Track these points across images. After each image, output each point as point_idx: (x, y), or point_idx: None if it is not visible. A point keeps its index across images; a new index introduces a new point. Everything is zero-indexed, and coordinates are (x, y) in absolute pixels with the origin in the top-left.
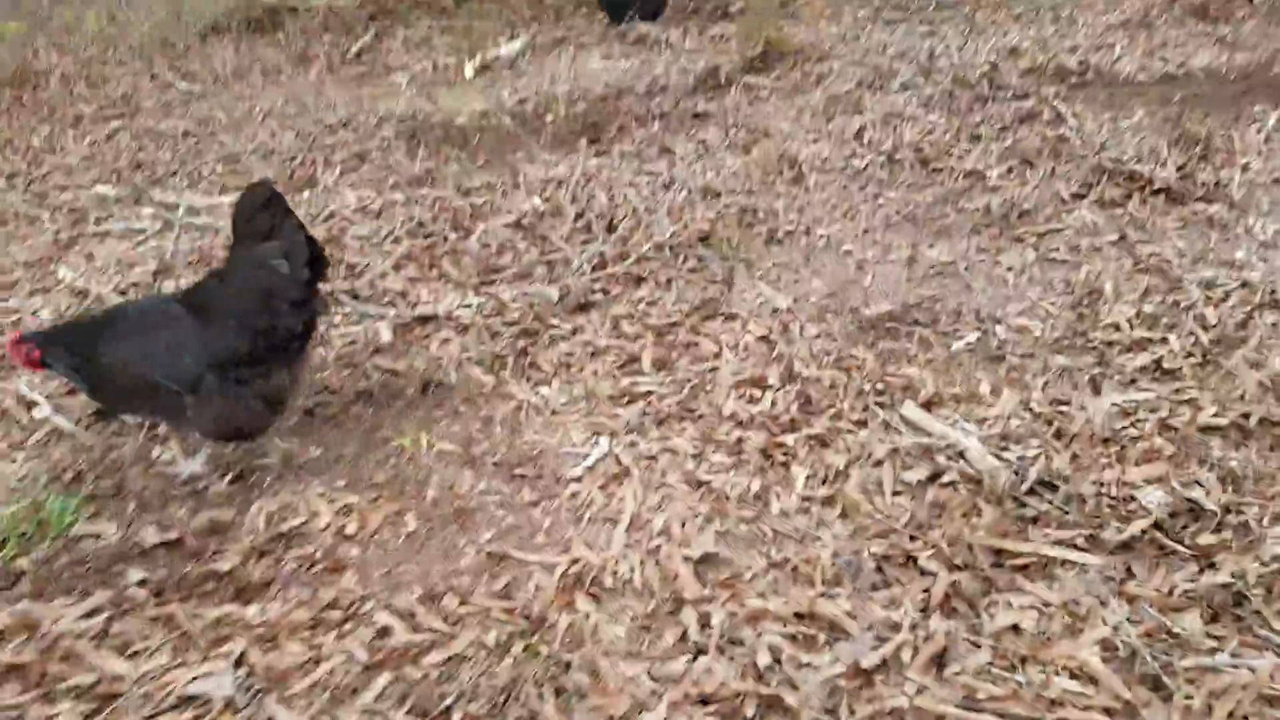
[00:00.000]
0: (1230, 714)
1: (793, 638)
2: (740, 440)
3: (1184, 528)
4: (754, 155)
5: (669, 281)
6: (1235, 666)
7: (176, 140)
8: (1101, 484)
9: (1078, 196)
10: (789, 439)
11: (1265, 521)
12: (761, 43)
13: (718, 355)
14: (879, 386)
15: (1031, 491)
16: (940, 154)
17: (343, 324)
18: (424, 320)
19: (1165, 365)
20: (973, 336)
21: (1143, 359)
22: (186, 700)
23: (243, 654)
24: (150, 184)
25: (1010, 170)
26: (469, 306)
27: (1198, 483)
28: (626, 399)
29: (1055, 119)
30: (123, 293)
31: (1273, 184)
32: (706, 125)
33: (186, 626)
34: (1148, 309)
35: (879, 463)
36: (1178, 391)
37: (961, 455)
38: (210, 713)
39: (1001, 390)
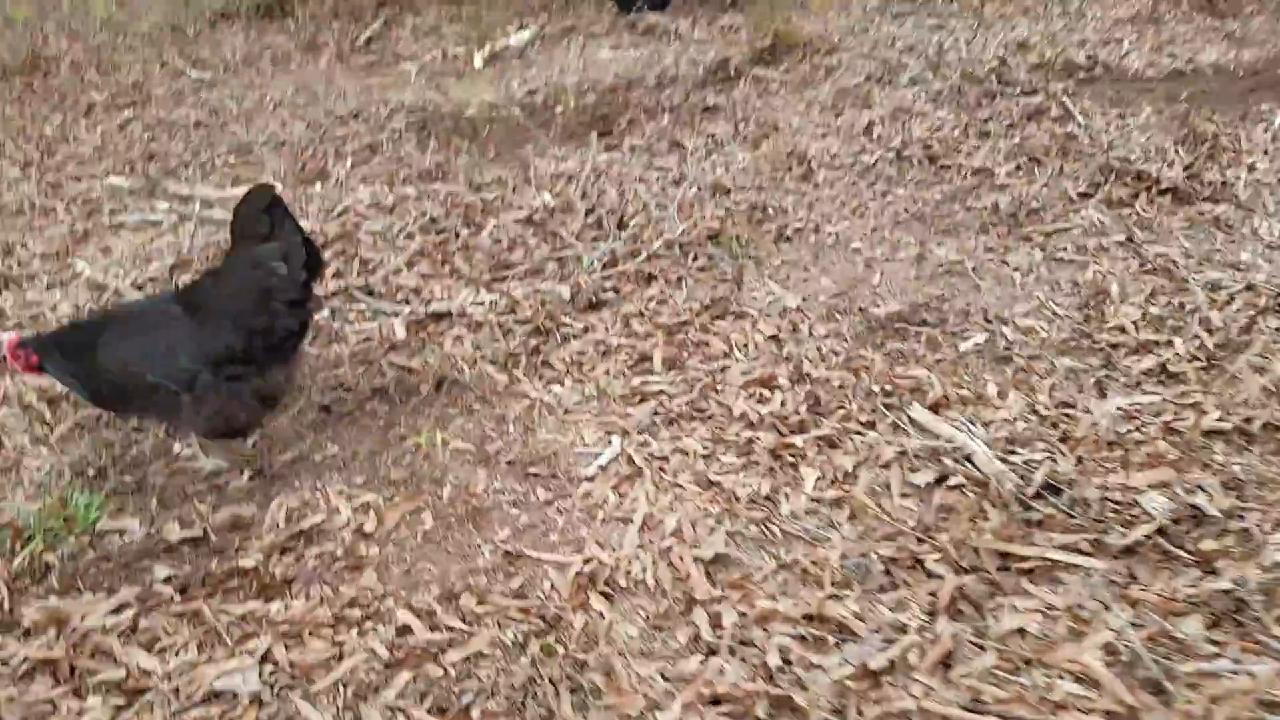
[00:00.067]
0: (1230, 719)
1: (802, 639)
2: (750, 441)
3: (1187, 533)
4: (763, 150)
5: (679, 280)
6: (1235, 672)
7: (188, 130)
8: (1106, 488)
9: (1085, 196)
10: (798, 440)
11: (1267, 527)
12: (770, 34)
13: (727, 355)
14: (887, 388)
15: (1037, 495)
16: (949, 151)
17: (357, 321)
18: (437, 317)
19: (1170, 368)
20: (980, 337)
21: (1148, 362)
22: (214, 696)
23: (268, 650)
24: (163, 175)
25: (1018, 168)
26: (481, 304)
27: (1201, 487)
28: (638, 398)
29: (1063, 116)
30: (140, 288)
31: (1279, 184)
32: (716, 119)
33: (212, 623)
34: (1153, 311)
35: (887, 465)
36: (1182, 395)
37: (968, 458)
38: (237, 708)
39: (1008, 392)
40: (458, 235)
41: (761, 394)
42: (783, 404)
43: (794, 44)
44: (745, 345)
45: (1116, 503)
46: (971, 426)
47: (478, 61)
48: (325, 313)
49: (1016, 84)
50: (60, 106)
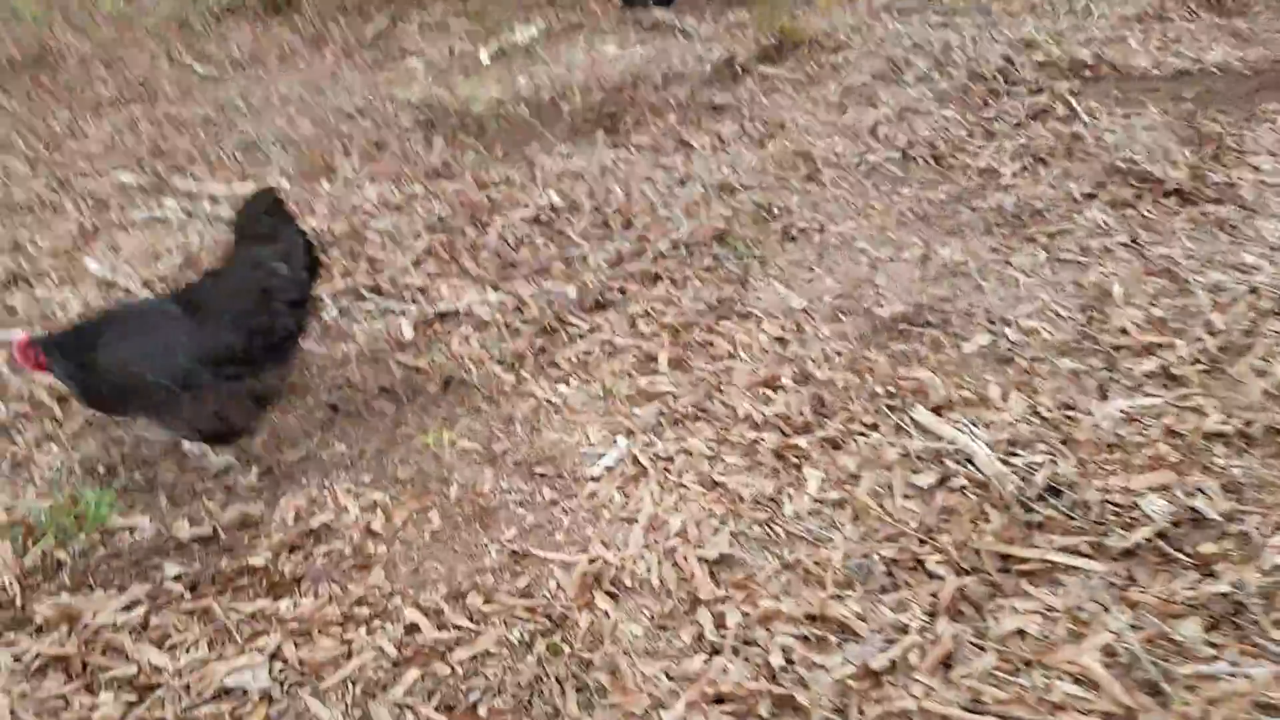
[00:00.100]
0: None
1: (805, 639)
2: (755, 442)
3: (1186, 536)
4: (769, 150)
5: (685, 280)
6: (1233, 674)
7: (196, 127)
8: (1107, 491)
9: (1090, 196)
10: (802, 441)
11: (1266, 531)
12: (777, 31)
13: (732, 355)
14: (890, 389)
15: (1038, 497)
16: (954, 150)
17: (365, 320)
18: (444, 316)
19: (1172, 371)
20: (984, 338)
21: (1150, 364)
22: (224, 692)
23: (278, 648)
24: (171, 171)
25: (1024, 168)
26: (488, 304)
27: (1201, 490)
28: (644, 398)
29: (1069, 115)
30: (149, 286)
31: None
32: (722, 117)
33: (223, 620)
34: (1156, 313)
35: (889, 466)
36: (1183, 398)
37: (970, 460)
38: (247, 705)
39: (1010, 394)
40: (465, 234)
41: (766, 395)
42: (787, 405)
43: (800, 41)
44: (750, 346)
45: (1117, 505)
46: (973, 428)
47: (484, 57)
48: (334, 312)
49: (1022, 83)
50: (68, 102)
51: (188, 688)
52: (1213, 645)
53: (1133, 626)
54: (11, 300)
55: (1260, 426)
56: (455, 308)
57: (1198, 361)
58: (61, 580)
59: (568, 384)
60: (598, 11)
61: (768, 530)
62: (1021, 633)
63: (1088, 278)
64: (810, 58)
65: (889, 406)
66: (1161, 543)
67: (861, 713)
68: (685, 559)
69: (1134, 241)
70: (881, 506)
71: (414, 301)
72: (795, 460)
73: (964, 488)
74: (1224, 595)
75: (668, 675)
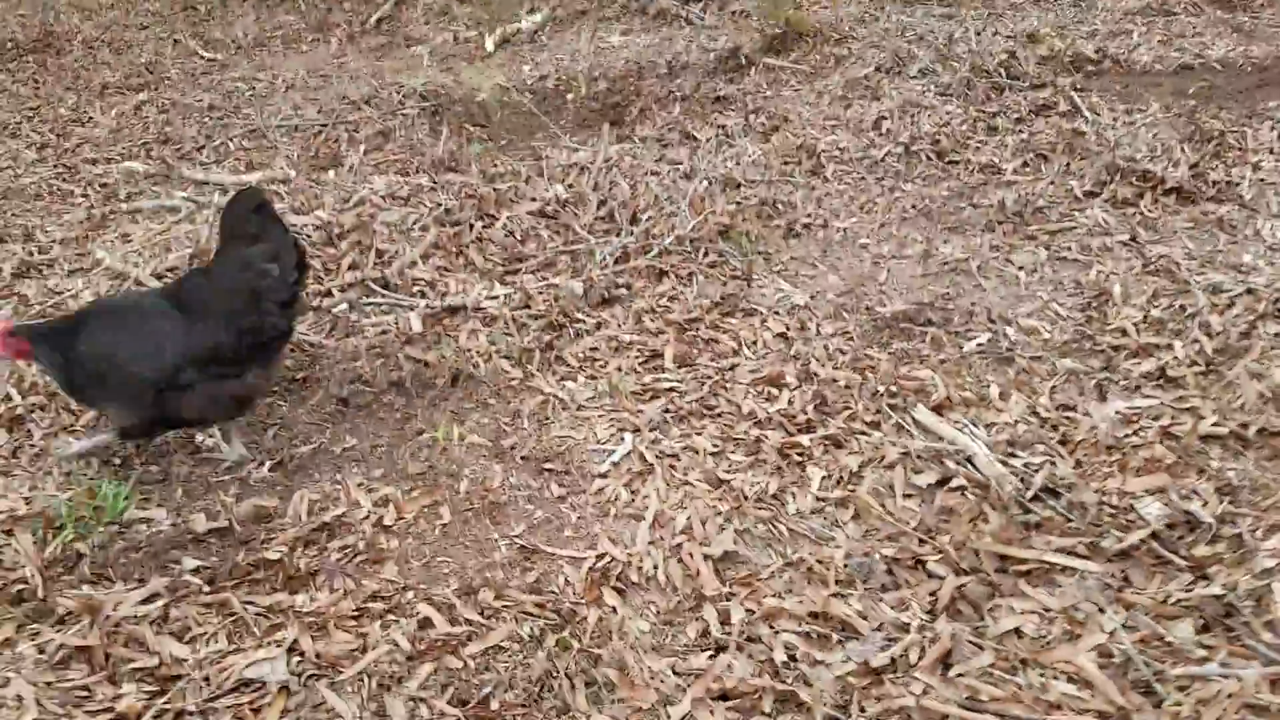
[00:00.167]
0: None
1: (807, 636)
2: (758, 439)
3: (1180, 538)
4: (774, 143)
5: (690, 275)
6: (1224, 675)
7: (202, 114)
8: (1103, 493)
9: (1091, 194)
10: (805, 439)
11: (1259, 534)
12: (782, 21)
13: (737, 352)
14: (892, 389)
15: (1036, 498)
16: (957, 145)
17: (373, 313)
18: (452, 311)
19: (1169, 373)
20: (984, 337)
21: (1148, 365)
22: (244, 684)
23: (295, 641)
24: (178, 159)
25: (1025, 164)
26: (496, 298)
27: (1195, 493)
28: (649, 395)
29: (1071, 111)
30: (159, 277)
31: None
32: (727, 109)
33: (240, 613)
34: (1155, 313)
35: (891, 466)
36: (1180, 399)
37: (970, 461)
38: (266, 696)
39: (1010, 394)
40: (472, 227)
41: (770, 392)
42: (790, 403)
43: (805, 32)
44: (754, 343)
45: (1113, 507)
46: (973, 428)
47: (489, 45)
48: (343, 306)
49: (1025, 77)
50: (74, 86)
51: (208, 679)
52: (1205, 646)
53: (1127, 627)
54: (24, 289)
55: (1255, 429)
56: (463, 302)
57: (1195, 363)
58: (82, 572)
59: (575, 380)
60: None
61: (771, 528)
62: (1019, 632)
63: (1088, 277)
64: (815, 49)
65: (890, 406)
66: (1156, 545)
67: (862, 710)
68: (691, 556)
69: (1134, 240)
70: (883, 506)
71: (423, 295)
72: (799, 458)
73: (964, 488)
74: (1217, 597)
75: (674, 671)
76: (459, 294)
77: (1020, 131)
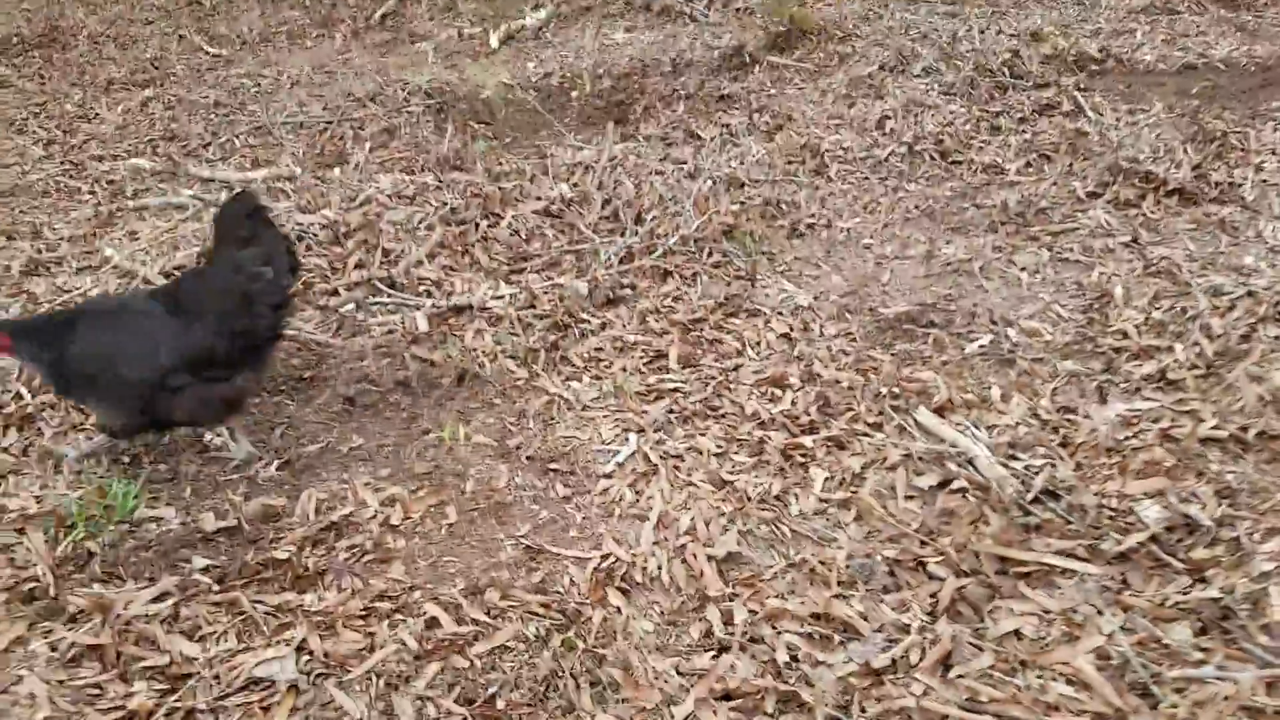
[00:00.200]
0: None
1: (809, 636)
2: (762, 441)
3: (1179, 541)
4: (778, 142)
5: (694, 276)
6: (1220, 678)
7: (208, 110)
8: (1103, 495)
9: (1093, 195)
10: (808, 440)
11: (1256, 537)
12: (786, 18)
13: (740, 353)
14: (895, 390)
15: (1036, 500)
16: (960, 145)
17: (380, 313)
18: (458, 310)
19: (1170, 375)
20: (986, 339)
21: (1149, 367)
22: (253, 683)
23: (303, 640)
24: (184, 155)
25: (1028, 165)
26: (501, 298)
27: (1194, 496)
28: (653, 395)
29: (1074, 111)
30: (168, 275)
31: None
32: (731, 108)
33: (250, 612)
34: (1156, 315)
35: (893, 467)
36: (1180, 402)
37: (971, 463)
38: (276, 695)
39: (1011, 396)
40: (477, 226)
41: (773, 393)
42: (793, 404)
43: (809, 29)
44: (758, 343)
45: (1112, 510)
46: (975, 430)
47: (494, 41)
48: (350, 305)
49: (1028, 77)
50: (79, 82)
51: (218, 678)
52: (1202, 649)
53: (1125, 629)
54: (33, 287)
55: (1254, 432)
56: (469, 302)
57: (1195, 366)
58: (93, 571)
59: (580, 380)
60: None
61: (774, 529)
62: (1018, 634)
63: (1089, 278)
64: (819, 47)
65: (893, 407)
66: (1155, 548)
67: (863, 710)
68: (695, 556)
69: (1135, 241)
70: (885, 507)
71: (429, 295)
72: (802, 460)
73: (965, 490)
74: (1214, 600)
75: (678, 671)
76: (464, 293)
77: (1023, 131)
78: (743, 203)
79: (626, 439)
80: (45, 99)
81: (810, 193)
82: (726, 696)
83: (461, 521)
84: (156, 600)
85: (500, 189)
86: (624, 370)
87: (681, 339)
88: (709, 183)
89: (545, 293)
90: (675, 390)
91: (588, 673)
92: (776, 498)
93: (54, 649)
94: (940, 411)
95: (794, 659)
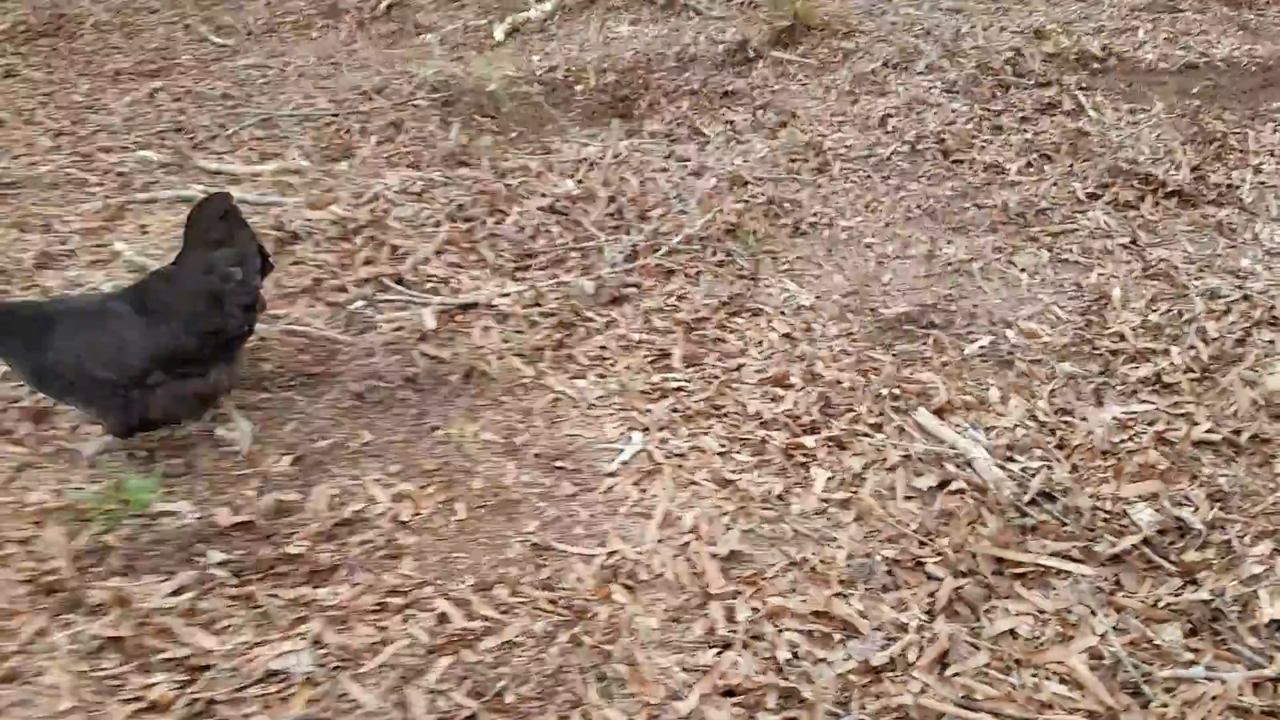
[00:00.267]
0: None
1: (810, 634)
2: (764, 440)
3: (1171, 544)
4: (781, 140)
5: (698, 274)
6: (1209, 678)
7: (215, 102)
8: (1098, 498)
9: (1093, 196)
10: (809, 440)
11: (1247, 540)
12: (790, 14)
13: (743, 352)
14: (895, 391)
15: (1033, 502)
16: (962, 144)
17: (388, 310)
18: (465, 308)
19: (1165, 379)
20: (985, 340)
21: (1145, 370)
22: (271, 675)
23: (319, 634)
24: (192, 148)
25: (1029, 164)
26: (507, 295)
27: (1187, 499)
28: (658, 394)
29: (1075, 110)
30: None
31: None
32: (735, 104)
33: (266, 606)
34: (1153, 318)
35: (893, 468)
36: (1175, 405)
37: (969, 464)
38: (293, 687)
39: (1010, 398)
40: (484, 223)
41: (775, 393)
42: (795, 404)
43: (813, 25)
44: (760, 343)
45: (1107, 512)
46: (973, 432)
47: (498, 33)
48: (360, 302)
49: (1030, 75)
50: (87, 72)
51: (236, 669)
52: (1192, 650)
53: (1117, 630)
54: (45, 281)
55: (1247, 436)
56: (476, 299)
57: (1190, 369)
58: (111, 564)
59: (585, 378)
60: None
61: (776, 528)
62: (1013, 633)
63: (1088, 280)
64: (823, 42)
65: (893, 408)
66: (1147, 550)
67: (862, 707)
68: (698, 554)
69: (1134, 243)
70: (884, 508)
71: (436, 292)
72: (803, 459)
73: (963, 491)
74: (1204, 602)
75: (682, 667)
76: (472, 290)
77: (1025, 131)
78: (746, 201)
79: (631, 438)
80: (53, 88)
81: (813, 191)
82: (729, 692)
83: (470, 518)
84: (174, 594)
85: (507, 186)
86: (628, 369)
87: (685, 338)
88: (713, 180)
89: (551, 290)
90: (679, 389)
91: (594, 668)
92: (779, 497)
93: (75, 640)
94: (940, 413)
95: (795, 656)
